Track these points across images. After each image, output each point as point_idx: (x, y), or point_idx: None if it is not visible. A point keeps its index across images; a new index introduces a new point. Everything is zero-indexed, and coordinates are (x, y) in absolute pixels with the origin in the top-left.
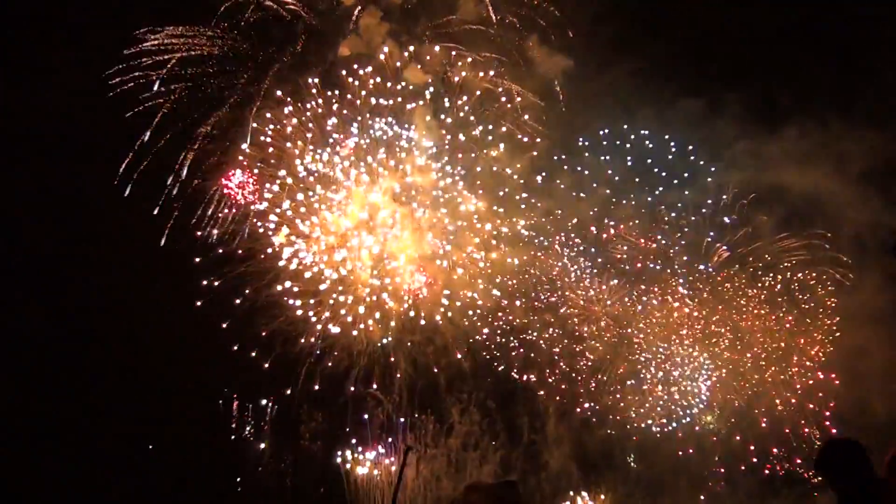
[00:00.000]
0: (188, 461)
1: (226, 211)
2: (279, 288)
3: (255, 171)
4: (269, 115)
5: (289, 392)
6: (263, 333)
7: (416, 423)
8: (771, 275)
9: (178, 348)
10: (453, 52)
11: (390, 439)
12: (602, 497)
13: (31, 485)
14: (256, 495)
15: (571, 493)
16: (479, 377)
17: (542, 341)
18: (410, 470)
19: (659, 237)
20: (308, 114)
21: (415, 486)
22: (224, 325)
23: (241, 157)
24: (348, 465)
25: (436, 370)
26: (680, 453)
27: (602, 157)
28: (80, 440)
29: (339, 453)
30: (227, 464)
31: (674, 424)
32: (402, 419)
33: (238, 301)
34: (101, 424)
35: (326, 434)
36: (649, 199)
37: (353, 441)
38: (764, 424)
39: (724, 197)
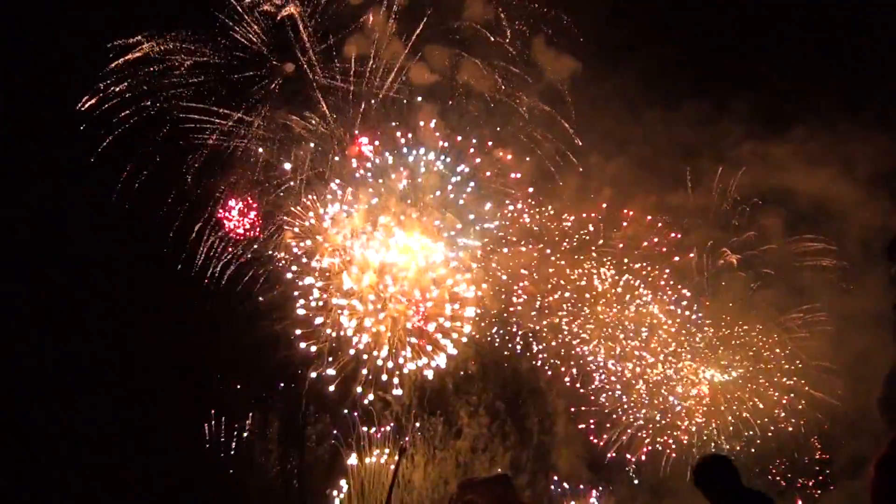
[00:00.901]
0: (194, 463)
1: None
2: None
3: (257, 174)
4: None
5: (296, 395)
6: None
7: (426, 425)
8: (772, 274)
9: (183, 349)
10: (458, 57)
11: (399, 438)
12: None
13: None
14: (264, 497)
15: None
16: (488, 379)
17: (550, 343)
18: (418, 473)
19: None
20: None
21: (423, 488)
22: (229, 326)
23: (246, 174)
24: (355, 467)
25: (444, 373)
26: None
27: (608, 159)
28: (82, 443)
29: (346, 455)
30: (235, 466)
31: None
32: (406, 420)
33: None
34: (100, 429)
35: (333, 436)
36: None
37: (361, 443)
38: (770, 438)
39: (724, 206)
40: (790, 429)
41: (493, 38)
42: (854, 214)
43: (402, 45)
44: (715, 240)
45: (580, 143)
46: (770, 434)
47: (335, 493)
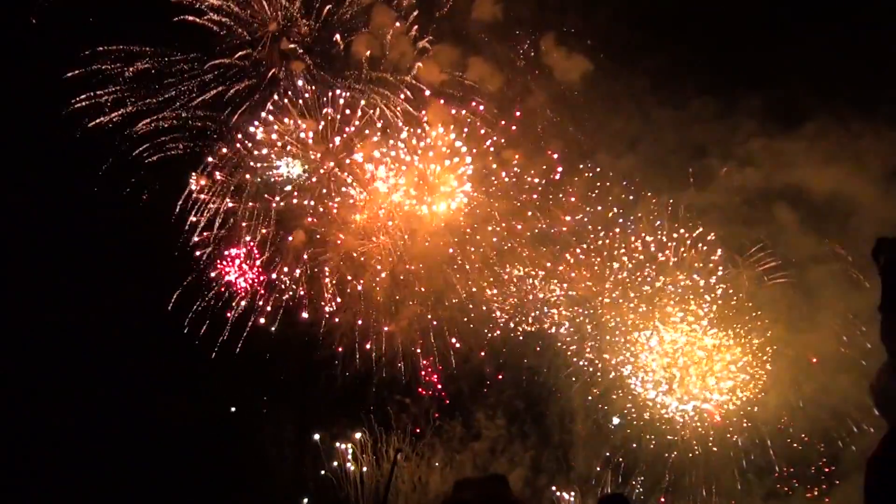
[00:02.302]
0: (209, 459)
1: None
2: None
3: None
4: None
5: (311, 396)
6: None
7: (442, 427)
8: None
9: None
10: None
11: (415, 441)
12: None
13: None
14: (277, 498)
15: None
16: (505, 379)
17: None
18: (435, 475)
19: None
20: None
21: (440, 491)
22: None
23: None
24: (365, 468)
25: (459, 375)
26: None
27: (617, 158)
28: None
29: (359, 455)
30: (248, 467)
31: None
32: (425, 423)
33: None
34: (117, 428)
35: (348, 437)
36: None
37: (378, 445)
38: (773, 441)
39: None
40: (804, 437)
41: (504, 33)
42: (867, 211)
43: (410, 43)
44: (724, 238)
45: (587, 146)
46: (774, 437)
47: (349, 494)
